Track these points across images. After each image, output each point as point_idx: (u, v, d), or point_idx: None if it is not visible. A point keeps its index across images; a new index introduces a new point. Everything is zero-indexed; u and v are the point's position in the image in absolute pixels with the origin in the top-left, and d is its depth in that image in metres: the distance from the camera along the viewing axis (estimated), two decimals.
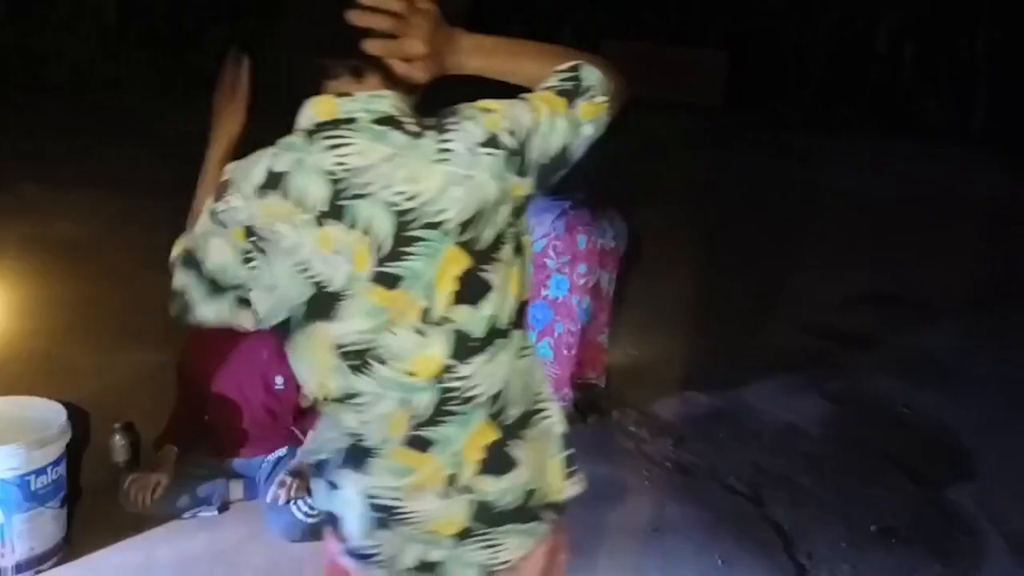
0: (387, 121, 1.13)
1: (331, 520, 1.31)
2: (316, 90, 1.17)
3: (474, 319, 1.17)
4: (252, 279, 1.16)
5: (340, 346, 1.15)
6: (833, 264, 5.57)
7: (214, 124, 1.39)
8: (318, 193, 1.10)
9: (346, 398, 1.18)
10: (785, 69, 12.40)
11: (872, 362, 4.16)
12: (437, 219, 1.11)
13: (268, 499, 2.71)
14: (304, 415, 2.94)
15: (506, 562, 1.27)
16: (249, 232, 1.12)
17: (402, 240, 1.12)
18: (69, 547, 2.60)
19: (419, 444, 1.21)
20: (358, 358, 1.15)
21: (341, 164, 1.10)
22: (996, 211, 6.99)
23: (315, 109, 1.15)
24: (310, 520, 2.69)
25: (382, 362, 1.15)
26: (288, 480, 2.71)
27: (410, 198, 1.10)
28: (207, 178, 1.33)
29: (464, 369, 1.18)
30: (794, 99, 12.20)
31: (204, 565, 2.62)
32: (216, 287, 1.19)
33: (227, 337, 2.86)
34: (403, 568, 1.25)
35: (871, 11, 12.36)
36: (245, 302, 1.20)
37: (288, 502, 2.69)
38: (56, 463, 2.52)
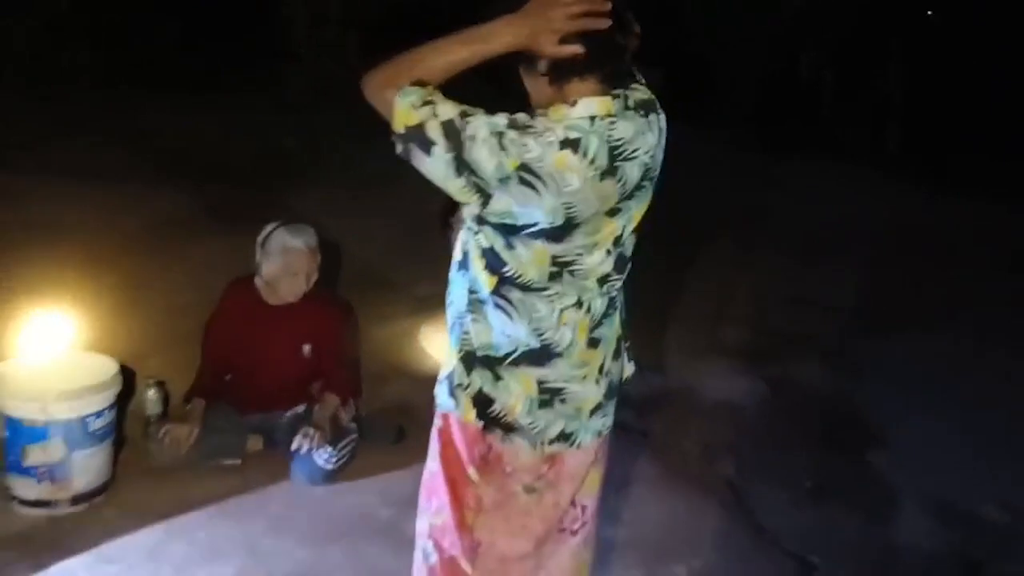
0: (638, 106, 1.60)
1: (482, 402, 1.66)
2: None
3: (628, 244, 1.66)
4: (501, 189, 1.49)
5: (555, 256, 1.56)
6: (770, 271, 6.12)
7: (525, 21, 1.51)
8: (604, 157, 1.52)
9: (541, 290, 1.59)
10: (717, 93, 13.07)
11: (803, 353, 4.69)
12: (654, 174, 1.63)
13: (293, 448, 3.07)
14: (320, 379, 3.32)
15: (611, 426, 1.77)
16: (523, 166, 1.47)
17: (638, 186, 1.58)
18: (115, 485, 2.92)
19: (593, 344, 1.66)
20: (562, 267, 1.58)
21: (619, 139, 1.54)
22: (909, 227, 7.67)
23: (596, 107, 1.53)
24: (329, 467, 3.07)
25: (572, 273, 1.59)
26: (311, 432, 3.07)
27: (651, 157, 1.59)
28: (469, 43, 1.53)
29: (617, 281, 1.67)
30: (725, 121, 12.84)
31: (234, 505, 2.95)
32: (461, 165, 1.48)
33: (254, 308, 3.23)
34: (547, 439, 1.67)
35: (794, 43, 13.14)
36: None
37: (310, 451, 3.06)
38: (110, 408, 2.85)
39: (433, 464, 1.76)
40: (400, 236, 5.36)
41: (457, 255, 1.71)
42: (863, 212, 8.10)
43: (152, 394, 3.18)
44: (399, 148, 1.52)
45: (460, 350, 1.68)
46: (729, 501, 3.27)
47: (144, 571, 2.56)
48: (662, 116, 1.64)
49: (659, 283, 5.08)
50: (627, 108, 1.57)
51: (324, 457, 3.07)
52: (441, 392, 1.72)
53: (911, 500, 3.38)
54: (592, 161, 1.50)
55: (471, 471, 1.69)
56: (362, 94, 1.57)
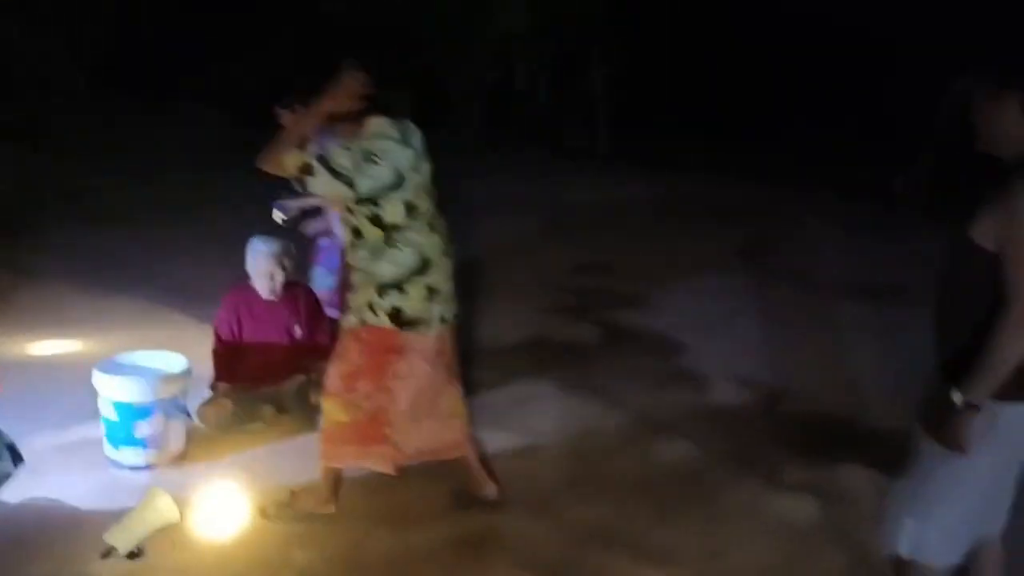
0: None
1: (399, 318, 3.09)
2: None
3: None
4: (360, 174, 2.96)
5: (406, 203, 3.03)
6: (557, 246, 7.72)
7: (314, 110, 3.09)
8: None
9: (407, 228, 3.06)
10: (452, 103, 14.64)
11: (610, 301, 6.29)
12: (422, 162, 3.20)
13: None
14: (309, 354, 4.31)
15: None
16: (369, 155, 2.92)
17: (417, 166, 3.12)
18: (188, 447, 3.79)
19: (450, 255, 3.15)
20: (410, 210, 3.04)
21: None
22: (629, 206, 9.68)
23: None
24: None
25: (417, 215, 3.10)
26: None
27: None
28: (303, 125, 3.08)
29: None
30: (461, 126, 14.44)
31: (271, 456, 3.90)
32: (334, 173, 2.95)
33: (251, 303, 4.19)
34: (435, 322, 3.12)
35: (512, 55, 15.01)
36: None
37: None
38: (185, 390, 3.72)
39: (358, 359, 3.16)
40: None
41: (347, 235, 3.15)
42: (586, 195, 10.03)
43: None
44: (296, 184, 3.03)
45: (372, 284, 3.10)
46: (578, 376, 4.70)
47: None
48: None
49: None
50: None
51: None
52: (359, 314, 3.13)
53: (721, 379, 4.94)
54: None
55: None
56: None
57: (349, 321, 3.22)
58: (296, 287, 4.34)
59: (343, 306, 3.39)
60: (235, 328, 4.21)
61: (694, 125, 14.45)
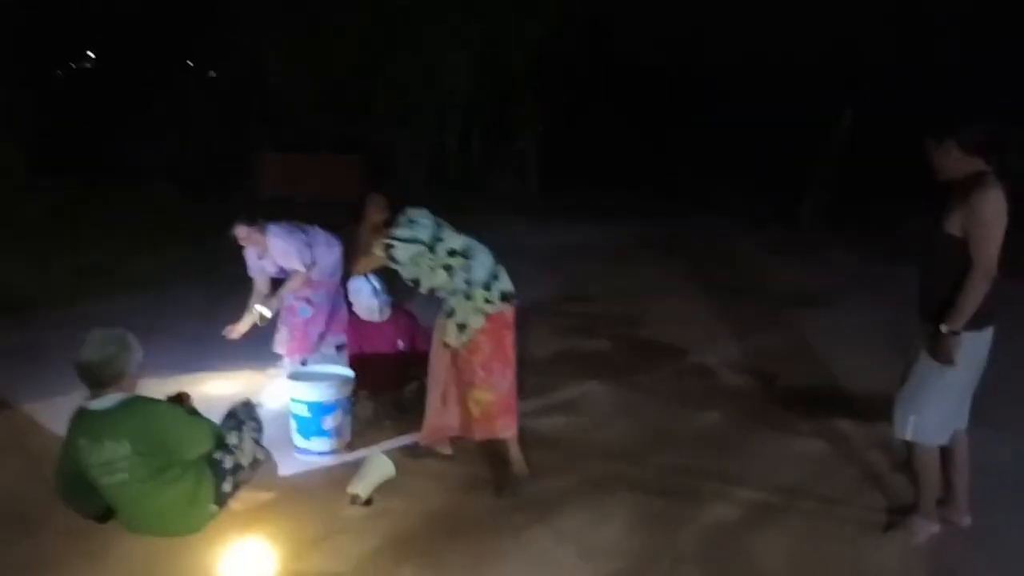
0: None
1: (507, 296, 4.32)
2: None
3: None
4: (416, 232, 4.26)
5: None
6: (521, 281, 9.00)
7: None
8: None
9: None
10: (396, 165, 15.87)
11: (604, 321, 7.59)
12: None
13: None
14: (413, 365, 5.42)
15: None
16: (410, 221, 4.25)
17: None
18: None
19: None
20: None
21: None
22: (577, 248, 11.05)
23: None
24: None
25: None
26: None
27: None
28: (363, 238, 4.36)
29: None
30: (406, 184, 15.64)
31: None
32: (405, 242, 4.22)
33: (362, 329, 5.31)
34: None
35: (443, 121, 16.39)
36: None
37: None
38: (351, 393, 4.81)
39: (487, 347, 4.26)
40: None
41: (430, 283, 4.27)
42: (540, 239, 11.39)
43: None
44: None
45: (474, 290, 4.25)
46: None
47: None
48: None
49: None
50: None
51: None
52: (475, 318, 4.23)
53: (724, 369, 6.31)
54: None
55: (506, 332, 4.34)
56: None
57: (468, 332, 4.26)
58: (396, 309, 5.47)
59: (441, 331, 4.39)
60: (360, 348, 5.31)
61: (612, 176, 16.22)
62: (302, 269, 5.62)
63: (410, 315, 5.61)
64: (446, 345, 4.35)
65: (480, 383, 4.31)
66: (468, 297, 4.24)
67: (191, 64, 27.42)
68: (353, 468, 4.34)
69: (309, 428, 4.62)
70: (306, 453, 4.65)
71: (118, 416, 3.55)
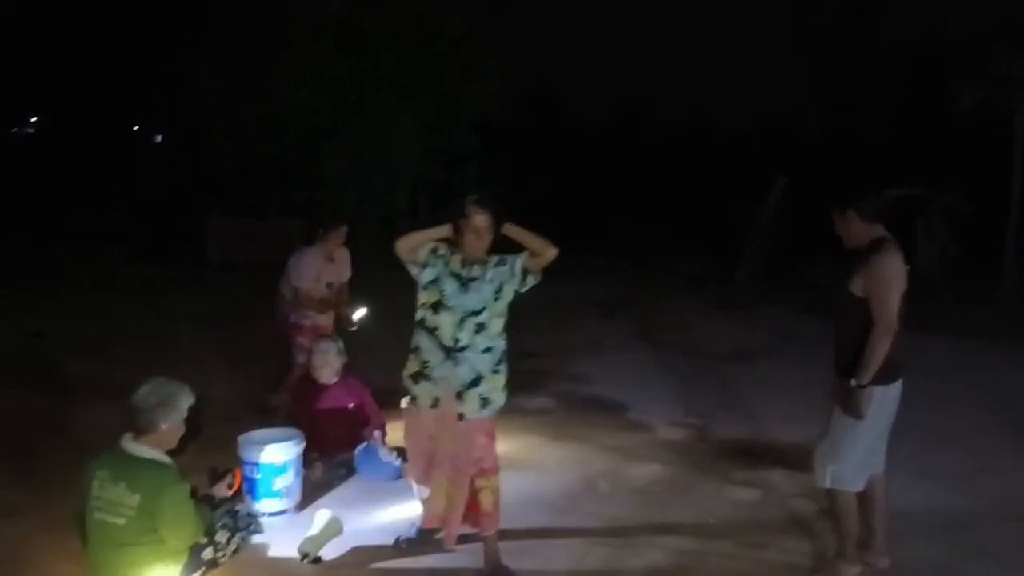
0: None
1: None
2: None
3: None
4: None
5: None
6: None
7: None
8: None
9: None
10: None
11: (549, 378, 7.83)
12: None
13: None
14: (362, 429, 5.56)
15: None
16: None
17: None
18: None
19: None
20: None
21: None
22: (525, 307, 11.32)
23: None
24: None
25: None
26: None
27: None
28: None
29: None
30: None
31: (358, 497, 5.14)
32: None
33: (316, 390, 5.48)
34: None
35: (394, 180, 16.70)
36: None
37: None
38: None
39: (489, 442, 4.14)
40: None
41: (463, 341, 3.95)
42: None
43: None
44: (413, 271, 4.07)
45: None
46: None
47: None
48: None
49: None
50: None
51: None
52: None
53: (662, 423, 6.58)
54: None
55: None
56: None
57: (491, 409, 4.03)
58: (346, 374, 5.64)
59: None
60: (310, 409, 5.47)
61: (559, 238, 16.66)
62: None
63: (360, 377, 5.79)
64: (461, 417, 3.99)
65: (495, 470, 4.12)
66: (496, 372, 4.05)
67: (136, 129, 27.55)
68: (303, 528, 4.47)
69: (260, 489, 4.74)
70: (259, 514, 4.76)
71: (144, 471, 3.70)
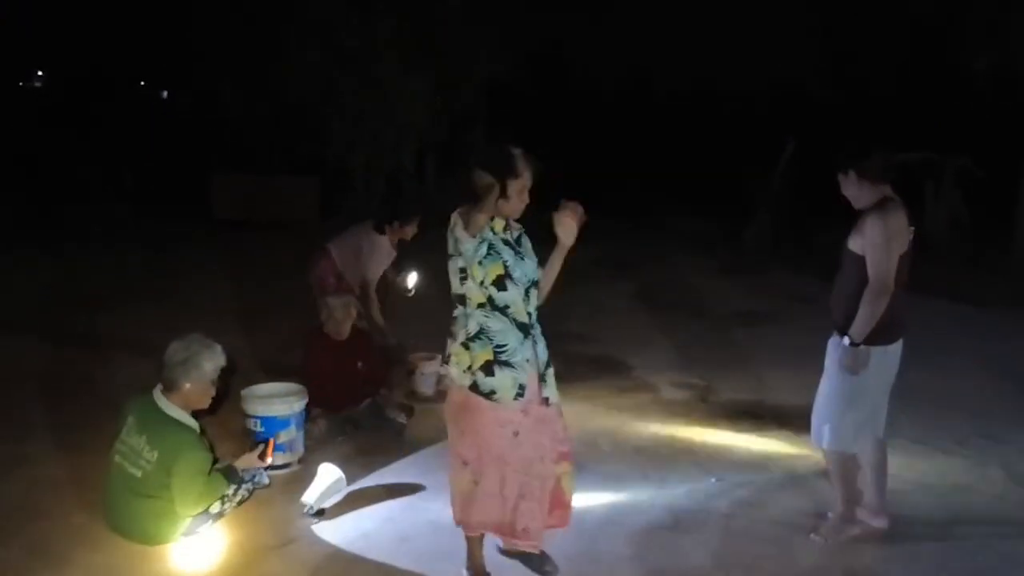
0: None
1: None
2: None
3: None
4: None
5: None
6: None
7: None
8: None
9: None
10: (355, 187, 15.98)
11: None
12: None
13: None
14: (370, 383, 5.58)
15: None
16: None
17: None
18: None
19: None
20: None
21: None
22: None
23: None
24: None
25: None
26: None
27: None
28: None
29: None
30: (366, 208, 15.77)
31: (366, 456, 5.16)
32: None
33: (327, 345, 5.49)
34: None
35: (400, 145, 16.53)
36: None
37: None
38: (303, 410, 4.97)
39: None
40: None
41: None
42: None
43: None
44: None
45: None
46: None
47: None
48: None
49: None
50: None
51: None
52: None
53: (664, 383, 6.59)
54: None
55: None
56: None
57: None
58: (357, 331, 5.65)
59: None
60: (319, 365, 5.47)
61: (566, 199, 16.60)
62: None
63: (367, 334, 5.80)
64: (546, 402, 3.52)
65: (571, 454, 3.71)
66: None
67: (143, 84, 27.39)
68: (306, 480, 4.50)
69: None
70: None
71: (167, 430, 3.78)
